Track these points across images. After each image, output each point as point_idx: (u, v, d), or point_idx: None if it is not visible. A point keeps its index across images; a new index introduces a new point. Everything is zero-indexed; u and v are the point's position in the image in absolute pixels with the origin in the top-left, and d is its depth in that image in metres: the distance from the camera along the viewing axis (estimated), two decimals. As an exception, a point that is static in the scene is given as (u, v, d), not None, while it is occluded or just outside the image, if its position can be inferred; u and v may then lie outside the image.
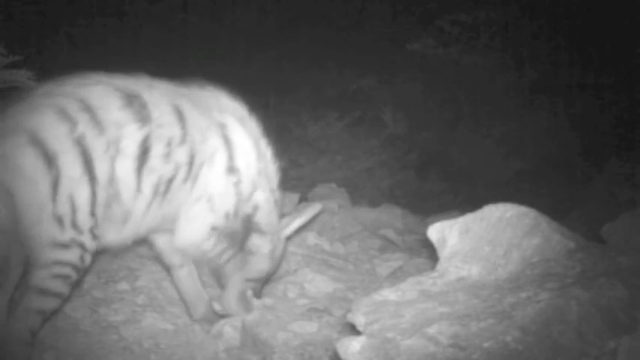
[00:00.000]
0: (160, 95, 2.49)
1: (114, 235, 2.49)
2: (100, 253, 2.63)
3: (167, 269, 2.99)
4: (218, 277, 3.02)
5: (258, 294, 3.08)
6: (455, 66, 6.96)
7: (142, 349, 2.75)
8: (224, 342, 2.87)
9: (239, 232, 2.84)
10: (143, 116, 2.39)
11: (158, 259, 3.02)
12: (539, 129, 6.63)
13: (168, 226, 2.71)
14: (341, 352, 1.71)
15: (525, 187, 5.81)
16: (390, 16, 7.50)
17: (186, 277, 2.94)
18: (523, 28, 6.80)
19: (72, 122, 2.23)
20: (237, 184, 2.73)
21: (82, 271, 2.38)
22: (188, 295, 2.97)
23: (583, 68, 6.66)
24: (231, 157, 2.69)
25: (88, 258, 2.34)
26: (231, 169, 2.70)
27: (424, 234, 2.18)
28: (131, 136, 2.36)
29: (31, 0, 6.00)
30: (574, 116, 6.57)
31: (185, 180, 2.55)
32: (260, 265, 2.99)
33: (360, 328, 1.79)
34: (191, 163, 2.55)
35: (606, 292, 1.59)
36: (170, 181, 2.50)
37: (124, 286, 3.15)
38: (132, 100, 2.38)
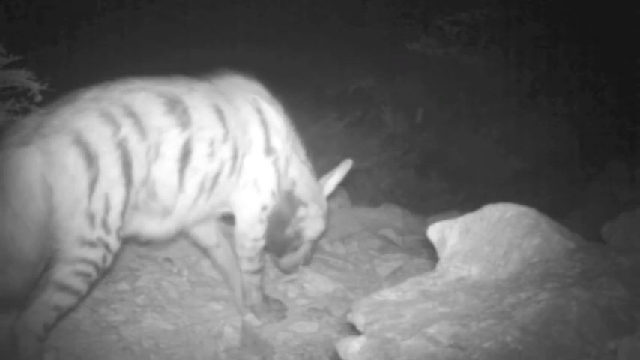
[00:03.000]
0: (200, 97, 2.60)
1: (154, 227, 2.61)
2: (145, 243, 2.84)
3: (204, 251, 3.16)
4: (276, 250, 3.23)
5: (309, 260, 3.39)
6: (455, 66, 6.96)
7: (142, 349, 2.75)
8: (224, 342, 2.87)
9: (285, 209, 3.04)
10: (184, 121, 2.50)
11: (195, 244, 3.18)
12: (539, 129, 6.63)
13: (217, 214, 2.94)
14: (341, 352, 1.71)
15: (525, 187, 5.81)
16: (390, 16, 7.50)
17: (223, 254, 3.11)
18: (523, 28, 6.80)
19: (116, 126, 2.33)
20: (275, 162, 2.89)
21: (102, 272, 2.45)
22: (227, 267, 3.12)
23: (583, 68, 6.66)
24: (267, 139, 2.83)
25: (109, 259, 2.41)
26: (269, 150, 2.85)
27: (424, 234, 2.18)
28: (172, 141, 2.47)
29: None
30: (574, 116, 6.58)
31: (231, 173, 2.71)
32: (315, 226, 3.21)
33: (360, 328, 1.79)
34: (235, 157, 2.70)
35: (606, 292, 1.59)
36: (216, 177, 2.64)
37: (124, 286, 3.15)
38: (174, 106, 2.49)
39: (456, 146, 6.87)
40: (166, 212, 2.57)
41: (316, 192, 3.20)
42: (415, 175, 6.82)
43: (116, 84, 2.46)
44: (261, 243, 2.98)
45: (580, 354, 1.47)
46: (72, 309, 2.50)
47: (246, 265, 3.00)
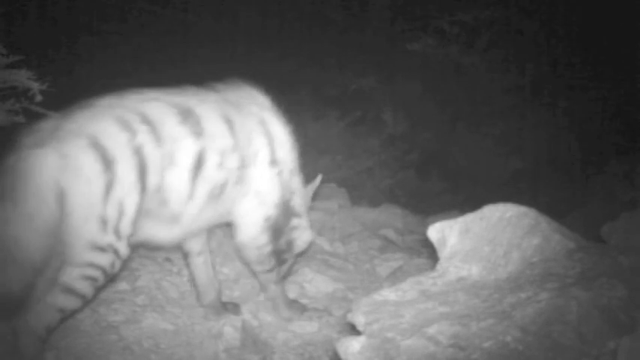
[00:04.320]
0: (211, 108, 2.63)
1: (165, 233, 2.62)
2: (153, 249, 2.89)
3: (184, 256, 3.08)
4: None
5: (287, 276, 3.36)
6: (455, 66, 6.96)
7: (142, 349, 2.75)
8: (224, 342, 2.87)
9: (281, 219, 3.01)
10: (197, 131, 2.52)
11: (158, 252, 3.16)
12: (539, 129, 6.64)
13: (220, 224, 2.93)
14: (341, 352, 1.71)
15: (525, 187, 5.81)
16: (390, 16, 7.49)
17: (202, 264, 3.04)
18: (523, 28, 6.80)
19: (132, 132, 2.33)
20: (279, 174, 2.90)
21: (109, 278, 2.43)
22: (201, 281, 3.06)
23: (583, 68, 6.66)
24: (273, 151, 2.85)
25: (118, 265, 2.41)
26: (274, 162, 2.86)
27: (424, 234, 2.18)
28: (186, 150, 2.49)
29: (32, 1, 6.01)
30: (574, 116, 6.58)
31: (236, 182, 2.71)
32: (304, 237, 3.22)
33: (360, 328, 1.79)
34: (241, 167, 2.71)
35: (606, 292, 1.59)
36: (223, 185, 2.65)
37: (124, 286, 3.15)
38: (187, 116, 2.51)
39: (456, 146, 6.87)
40: (174, 219, 2.57)
41: (305, 203, 3.21)
42: (415, 175, 6.82)
43: (130, 94, 2.48)
44: (268, 248, 2.97)
45: (580, 354, 1.47)
46: (76, 312, 2.49)
47: (258, 268, 3.03)
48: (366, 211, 4.85)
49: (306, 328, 3.08)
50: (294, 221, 3.12)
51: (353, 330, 1.85)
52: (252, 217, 2.86)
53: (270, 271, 3.04)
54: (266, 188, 2.84)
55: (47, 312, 2.29)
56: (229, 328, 2.93)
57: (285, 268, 3.25)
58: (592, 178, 6.19)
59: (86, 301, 2.41)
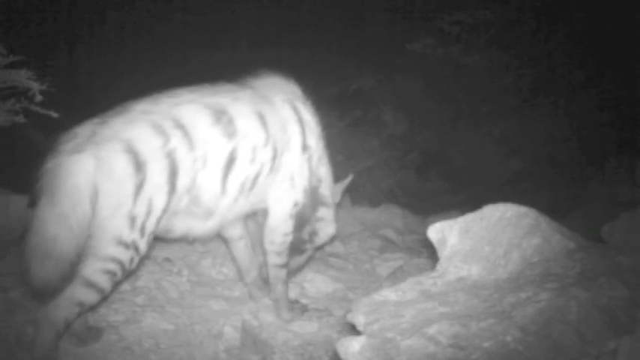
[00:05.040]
0: (244, 105, 2.71)
1: (201, 227, 2.74)
2: (191, 242, 3.06)
3: (225, 242, 3.27)
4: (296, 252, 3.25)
5: (302, 268, 3.46)
6: (455, 66, 6.96)
7: (142, 349, 2.75)
8: (224, 342, 2.87)
9: (308, 208, 3.09)
10: (230, 131, 2.61)
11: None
12: (539, 129, 6.63)
13: (254, 211, 3.02)
14: (341, 352, 1.71)
15: (525, 187, 5.81)
16: (390, 16, 7.49)
17: (244, 247, 3.23)
18: (523, 28, 6.80)
19: (166, 137, 2.44)
20: (309, 159, 3.00)
21: (126, 274, 2.52)
22: (244, 262, 3.25)
23: (583, 68, 6.66)
24: (304, 136, 2.94)
25: (136, 262, 2.51)
26: (305, 147, 2.96)
27: (424, 234, 2.18)
28: (219, 151, 2.59)
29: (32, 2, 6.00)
30: (574, 116, 6.57)
31: (270, 172, 2.81)
32: (328, 229, 3.30)
33: (360, 328, 1.79)
34: (274, 157, 2.80)
35: (606, 292, 1.59)
36: (256, 177, 2.75)
37: (124, 286, 3.15)
38: (220, 117, 2.60)
39: (456, 146, 6.87)
40: (208, 214, 2.68)
41: (333, 195, 3.30)
42: (415, 175, 6.82)
43: (164, 96, 2.58)
44: (290, 238, 3.05)
45: (580, 354, 1.47)
46: (93, 307, 2.56)
47: (274, 259, 3.07)
48: (366, 211, 4.85)
49: (306, 328, 3.08)
50: (322, 211, 3.21)
51: (353, 330, 1.85)
52: (283, 201, 2.95)
53: (283, 266, 3.09)
54: (297, 173, 2.94)
55: (66, 305, 2.37)
56: (229, 328, 2.93)
57: (302, 259, 3.32)
58: (592, 178, 6.19)
59: (104, 296, 2.49)
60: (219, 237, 3.32)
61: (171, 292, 3.20)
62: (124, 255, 2.42)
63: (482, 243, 1.98)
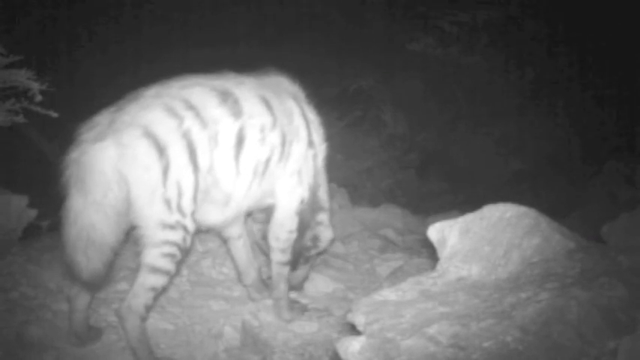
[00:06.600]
0: (248, 89, 2.77)
1: (217, 216, 2.80)
2: (206, 231, 3.07)
3: (225, 241, 3.28)
4: (293, 260, 3.25)
5: (306, 279, 3.47)
6: (455, 66, 6.96)
7: (142, 349, 2.74)
8: (224, 342, 2.87)
9: (307, 212, 3.12)
10: (236, 111, 2.67)
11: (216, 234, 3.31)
12: (539, 129, 6.64)
13: (260, 206, 3.04)
14: (341, 352, 1.71)
15: (525, 187, 5.81)
16: (389, 16, 7.49)
17: (242, 247, 3.25)
18: (523, 28, 6.80)
19: (179, 118, 2.51)
20: (314, 157, 3.04)
21: (185, 252, 2.63)
22: (242, 262, 3.27)
23: (583, 68, 6.66)
24: (309, 131, 2.99)
25: (189, 239, 2.61)
26: (311, 143, 3.00)
27: (424, 234, 2.18)
28: (227, 129, 2.64)
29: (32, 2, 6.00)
30: (574, 116, 6.58)
31: (280, 159, 2.85)
32: (327, 234, 3.33)
33: (360, 328, 1.79)
34: (283, 143, 2.84)
35: (606, 292, 1.59)
36: (267, 161, 2.79)
37: (124, 286, 3.15)
38: (226, 98, 2.67)
39: (456, 146, 6.87)
40: (227, 199, 2.73)
41: (329, 201, 3.31)
42: (415, 175, 6.83)
43: (172, 81, 2.64)
44: (294, 235, 3.07)
45: (580, 354, 1.47)
46: (165, 289, 2.69)
47: (278, 257, 3.08)
48: (366, 211, 4.85)
49: (306, 328, 3.08)
50: (320, 216, 3.24)
51: (353, 330, 1.85)
52: (290, 196, 2.98)
53: (286, 264, 3.10)
54: (304, 168, 2.98)
55: (141, 293, 2.53)
56: (229, 328, 2.93)
57: (307, 268, 3.36)
58: (592, 178, 6.19)
59: (171, 277, 2.62)
60: (219, 237, 3.32)
61: (172, 292, 3.20)
62: (175, 236, 2.52)
63: (482, 243, 1.98)
